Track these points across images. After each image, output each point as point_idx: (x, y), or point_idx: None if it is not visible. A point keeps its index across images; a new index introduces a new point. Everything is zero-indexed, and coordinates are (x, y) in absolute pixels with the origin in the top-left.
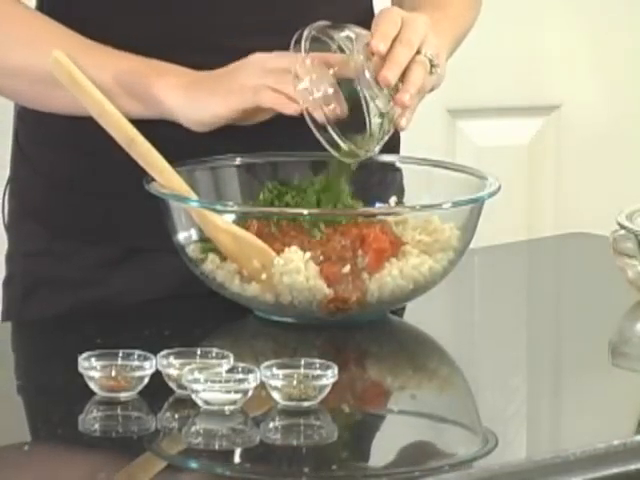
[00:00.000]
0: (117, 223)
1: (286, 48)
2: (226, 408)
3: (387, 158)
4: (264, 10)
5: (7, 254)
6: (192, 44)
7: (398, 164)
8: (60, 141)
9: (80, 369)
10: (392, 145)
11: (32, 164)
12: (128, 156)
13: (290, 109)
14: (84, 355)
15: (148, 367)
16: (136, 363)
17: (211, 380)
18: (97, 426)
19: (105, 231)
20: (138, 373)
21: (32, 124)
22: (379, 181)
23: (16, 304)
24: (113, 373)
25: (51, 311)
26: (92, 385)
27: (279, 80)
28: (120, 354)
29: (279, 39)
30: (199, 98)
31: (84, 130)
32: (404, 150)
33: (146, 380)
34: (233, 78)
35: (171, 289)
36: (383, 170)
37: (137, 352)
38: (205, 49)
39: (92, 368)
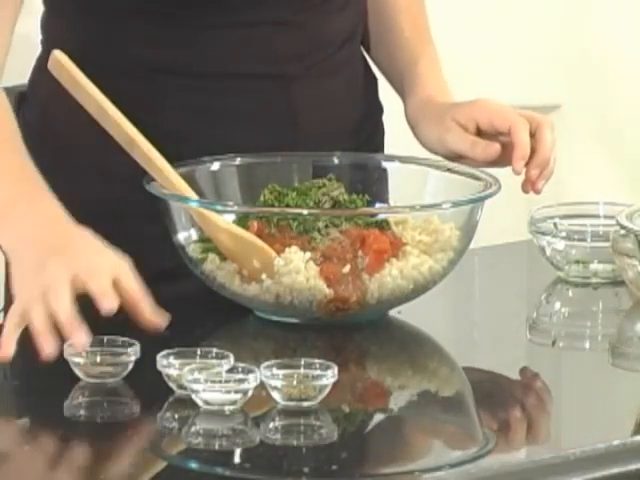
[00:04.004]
0: (145, 248)
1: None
2: (226, 408)
3: (387, 158)
4: (293, 38)
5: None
6: (222, 71)
7: (398, 164)
8: (82, 166)
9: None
10: (376, 143)
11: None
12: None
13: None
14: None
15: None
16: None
17: (211, 380)
18: (97, 427)
19: (133, 257)
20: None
21: (47, 149)
22: (374, 181)
23: None
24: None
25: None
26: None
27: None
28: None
29: (305, 64)
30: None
31: (111, 149)
32: (404, 151)
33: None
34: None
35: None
36: (373, 170)
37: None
38: (236, 75)
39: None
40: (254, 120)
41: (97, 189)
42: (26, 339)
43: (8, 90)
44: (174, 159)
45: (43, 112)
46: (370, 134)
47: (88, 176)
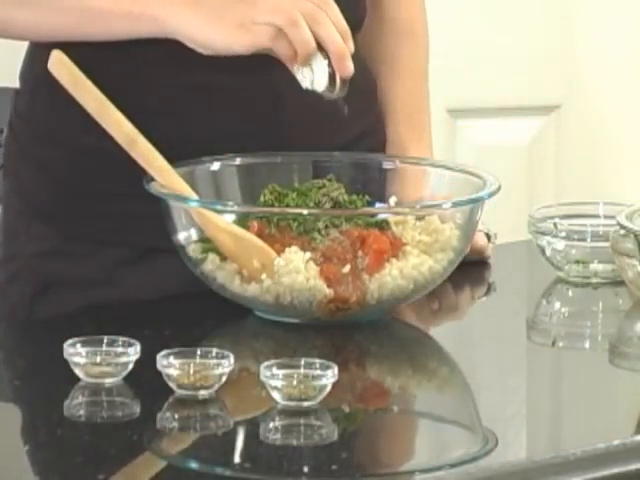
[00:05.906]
0: (132, 224)
1: None
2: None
3: (386, 158)
4: None
5: (5, 254)
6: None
7: (398, 164)
8: (71, 143)
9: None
10: (374, 144)
11: (38, 165)
12: None
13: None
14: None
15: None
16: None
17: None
18: (98, 426)
19: (120, 232)
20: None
21: (39, 125)
22: (374, 181)
23: (25, 304)
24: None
25: (64, 311)
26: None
27: (295, 27)
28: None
29: None
30: (206, 23)
31: (97, 131)
32: None
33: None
34: (244, 9)
35: (185, 287)
36: (373, 170)
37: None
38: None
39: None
40: (237, 96)
41: (80, 167)
42: (26, 338)
43: (6, 90)
44: (154, 135)
45: (31, 98)
46: (366, 132)
47: (71, 154)
